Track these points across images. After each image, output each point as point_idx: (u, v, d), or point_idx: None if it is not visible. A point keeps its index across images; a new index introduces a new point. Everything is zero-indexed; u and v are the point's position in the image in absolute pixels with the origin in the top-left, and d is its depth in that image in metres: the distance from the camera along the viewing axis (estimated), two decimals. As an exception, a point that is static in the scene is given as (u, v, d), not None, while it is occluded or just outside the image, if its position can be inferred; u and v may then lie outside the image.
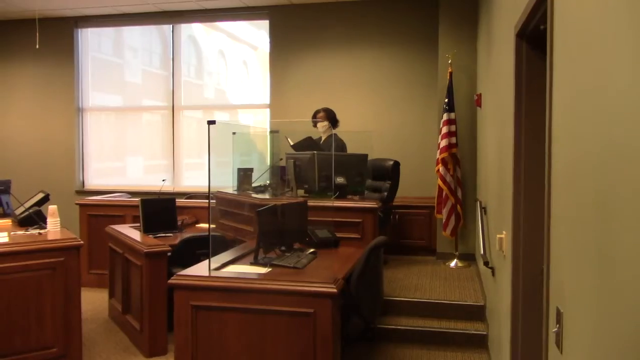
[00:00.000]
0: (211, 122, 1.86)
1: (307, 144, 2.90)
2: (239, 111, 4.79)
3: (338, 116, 3.19)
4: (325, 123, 3.12)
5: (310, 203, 2.31)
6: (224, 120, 4.50)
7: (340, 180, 2.50)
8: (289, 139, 3.01)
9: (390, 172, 3.20)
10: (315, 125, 3.17)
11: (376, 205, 2.41)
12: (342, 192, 2.50)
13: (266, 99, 4.50)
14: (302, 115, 4.04)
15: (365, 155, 2.65)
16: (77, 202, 3.53)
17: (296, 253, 2.06)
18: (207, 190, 2.04)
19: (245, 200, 2.56)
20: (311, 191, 2.57)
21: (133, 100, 4.61)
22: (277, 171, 2.85)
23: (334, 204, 2.33)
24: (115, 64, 4.59)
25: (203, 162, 4.69)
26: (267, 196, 2.63)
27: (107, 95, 4.61)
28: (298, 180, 2.56)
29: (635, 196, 0.52)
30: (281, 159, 2.86)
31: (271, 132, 3.04)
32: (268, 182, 2.89)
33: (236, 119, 4.66)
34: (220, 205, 2.72)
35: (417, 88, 3.97)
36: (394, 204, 3.28)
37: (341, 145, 3.08)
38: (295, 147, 2.92)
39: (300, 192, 2.61)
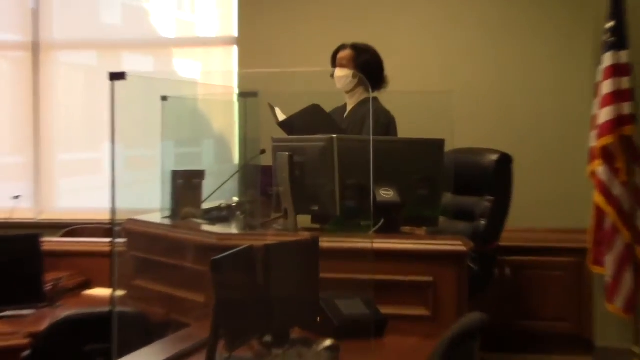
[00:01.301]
0: (116, 76, 1.96)
1: (310, 119, 3.03)
2: (174, 52, 4.98)
3: (385, 64, 3.36)
4: (350, 74, 3.25)
5: (324, 243, 2.33)
6: (145, 72, 4.65)
7: (387, 194, 2.54)
8: (277, 110, 3.11)
9: (492, 178, 3.28)
10: (332, 75, 3.31)
11: (464, 248, 2.45)
12: (390, 220, 2.55)
13: (230, 27, 4.67)
14: (305, 60, 4.14)
15: (440, 143, 2.72)
16: None
17: (296, 350, 2.04)
18: (107, 217, 2.11)
19: (189, 239, 2.65)
20: (326, 218, 2.64)
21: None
22: (255, 176, 2.94)
23: (375, 245, 2.33)
24: None
25: (101, 160, 4.80)
26: (233, 229, 2.76)
27: None
28: (298, 194, 2.61)
29: None
30: (263, 151, 2.93)
31: (242, 95, 3.06)
32: (236, 199, 2.96)
33: (170, 67, 4.85)
34: (136, 249, 2.82)
35: (546, 10, 4.13)
36: (501, 243, 3.34)
37: (385, 123, 3.21)
38: (289, 125, 3.03)
39: (304, 219, 2.68)
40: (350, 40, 3.43)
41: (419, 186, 2.64)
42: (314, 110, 3.03)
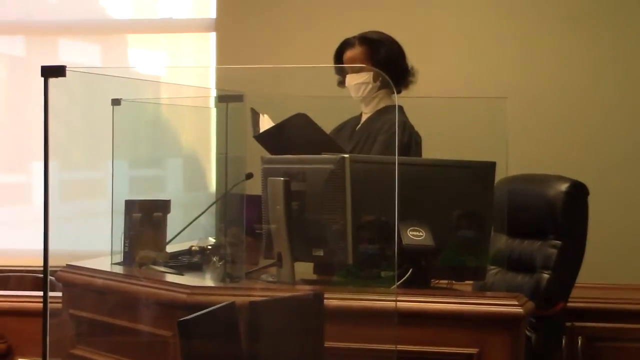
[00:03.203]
0: (52, 70, 2.05)
1: (295, 133, 3.06)
2: (129, 40, 4.97)
3: (409, 60, 3.38)
4: (370, 79, 3.28)
5: (331, 300, 2.37)
6: (91, 67, 4.67)
7: (416, 235, 2.56)
8: (263, 118, 3.16)
9: (560, 215, 3.25)
10: (341, 82, 3.35)
11: (521, 310, 2.45)
12: (421, 271, 2.58)
13: (207, 6, 4.74)
14: (306, 52, 4.17)
15: (490, 168, 2.73)
16: None
17: None
18: (37, 262, 2.13)
19: (149, 293, 2.64)
20: (333, 266, 2.67)
21: None
22: (239, 209, 2.95)
23: (400, 304, 2.36)
24: None
25: (29, 185, 4.84)
26: (208, 280, 2.79)
27: None
28: (297, 234, 2.63)
29: None
30: (250, 175, 2.98)
31: (221, 98, 3.06)
32: (212, 239, 3.00)
33: (125, 60, 4.84)
34: (76, 306, 2.82)
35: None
36: (570, 304, 3.31)
37: (404, 140, 3.23)
38: (267, 139, 3.06)
39: (303, 268, 2.70)
40: (367, 27, 3.45)
41: (461, 225, 2.65)
42: (300, 122, 3.03)
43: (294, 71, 3.74)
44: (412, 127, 3.25)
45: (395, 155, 2.68)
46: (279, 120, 3.09)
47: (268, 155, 2.94)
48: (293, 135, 3.02)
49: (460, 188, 2.73)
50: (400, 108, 3.21)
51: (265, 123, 3.09)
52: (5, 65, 5.15)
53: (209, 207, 3.09)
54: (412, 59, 3.42)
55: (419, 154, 3.24)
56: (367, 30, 3.41)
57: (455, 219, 2.67)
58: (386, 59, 3.28)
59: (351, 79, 3.28)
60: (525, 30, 4.35)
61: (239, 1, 4.62)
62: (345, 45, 3.35)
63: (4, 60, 5.15)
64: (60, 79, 2.11)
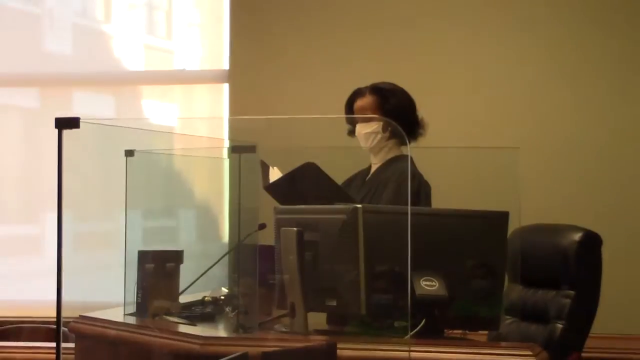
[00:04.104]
0: (66, 122, 2.07)
1: (304, 184, 3.07)
2: (142, 91, 4.99)
3: (420, 110, 3.40)
4: (380, 128, 3.30)
5: (345, 350, 2.35)
6: (104, 118, 4.62)
7: (430, 285, 2.57)
8: (273, 171, 3.18)
9: (574, 265, 3.24)
10: (351, 131, 3.38)
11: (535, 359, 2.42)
12: (435, 320, 2.57)
13: (219, 58, 4.79)
14: (318, 103, 4.22)
15: (503, 218, 2.74)
16: None
17: None
18: (50, 313, 2.14)
19: (162, 344, 2.63)
20: (347, 317, 2.67)
21: None
22: (252, 259, 2.94)
23: (414, 354, 2.36)
24: None
25: (42, 236, 4.81)
26: (221, 331, 2.78)
27: None
28: (310, 284, 2.64)
29: None
30: (263, 226, 2.98)
31: (235, 149, 3.05)
32: (225, 290, 2.99)
33: (138, 111, 4.86)
34: (89, 357, 2.86)
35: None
36: (585, 354, 3.27)
37: (413, 190, 3.19)
38: (276, 190, 3.08)
39: (316, 318, 2.69)
40: (378, 78, 3.46)
41: (474, 275, 2.65)
42: (309, 172, 3.03)
43: (305, 121, 3.81)
44: (421, 176, 3.26)
45: (405, 204, 2.72)
46: (284, 165, 3.13)
47: (281, 206, 2.94)
48: (303, 185, 3.03)
49: (473, 238, 2.73)
50: (410, 158, 3.19)
51: (275, 175, 3.11)
52: (19, 117, 5.18)
53: (222, 257, 3.09)
54: (423, 107, 3.44)
55: (428, 203, 3.24)
56: (378, 81, 3.43)
57: (468, 269, 2.67)
58: (396, 109, 3.28)
59: (361, 128, 3.29)
60: (538, 78, 4.37)
61: (251, 52, 4.65)
62: (356, 94, 3.37)
63: (19, 112, 5.19)
64: (74, 130, 2.10)
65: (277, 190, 3.05)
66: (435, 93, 4.15)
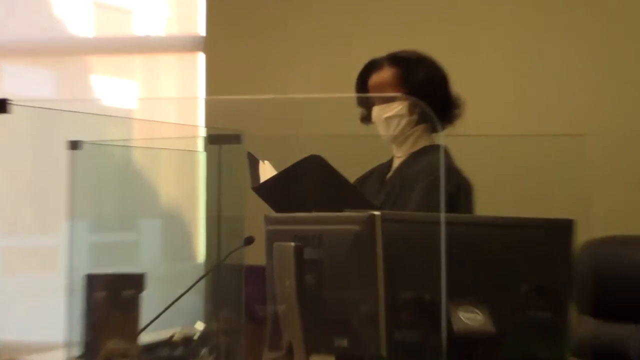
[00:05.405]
0: None
1: (308, 182, 3.07)
2: (92, 62, 4.94)
3: (458, 90, 3.43)
4: (405, 110, 3.28)
5: None
6: (41, 99, 4.62)
7: (471, 317, 2.58)
8: (263, 165, 3.19)
9: None
10: (366, 116, 3.39)
11: None
12: None
13: (194, 23, 4.83)
14: (316, 83, 4.23)
15: (567, 227, 2.74)
16: None
17: None
18: None
19: None
20: (361, 359, 2.66)
21: None
22: (235, 284, 2.97)
23: None
24: None
25: None
26: None
27: None
28: (313, 317, 2.59)
29: None
30: (250, 240, 3.00)
31: (213, 139, 3.11)
32: (201, 324, 2.99)
33: (87, 88, 4.82)
34: None
35: None
36: None
37: (452, 190, 3.24)
38: (269, 191, 3.10)
39: None
40: (397, 47, 3.48)
41: (531, 303, 2.65)
42: (313, 168, 3.05)
43: (304, 103, 3.81)
44: (459, 173, 3.27)
45: (438, 209, 2.63)
46: (285, 167, 3.09)
47: (274, 214, 2.94)
48: (305, 185, 3.02)
49: (528, 255, 2.72)
50: (444, 149, 3.21)
51: (267, 173, 3.10)
52: None
53: (197, 282, 3.07)
54: (458, 87, 3.46)
55: (470, 207, 3.26)
56: (400, 50, 3.45)
57: (522, 296, 2.68)
58: (425, 85, 3.28)
59: (380, 112, 3.28)
60: (608, 52, 4.43)
61: (234, 14, 4.70)
62: (371, 67, 3.38)
63: None
64: (1, 116, 2.11)
65: (271, 192, 3.06)
66: (476, 67, 4.20)
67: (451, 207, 3.04)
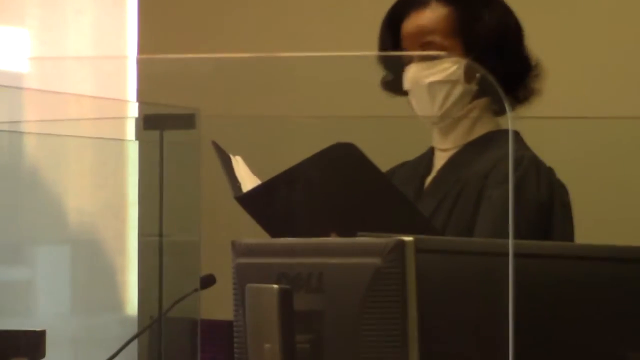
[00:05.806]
0: None
1: (333, 185, 2.97)
2: None
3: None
4: (451, 70, 3.14)
5: None
6: None
7: None
8: (235, 161, 3.11)
9: None
10: (391, 82, 3.26)
11: None
12: None
13: None
14: (311, 33, 4.29)
15: None
16: None
17: None
18: None
19: None
20: None
21: None
22: (183, 348, 2.87)
23: None
24: None
25: None
26: None
27: None
28: None
29: None
30: (209, 281, 2.87)
31: (149, 119, 3.04)
32: None
33: None
34: None
35: None
36: None
37: (542, 200, 3.14)
38: (264, 199, 3.02)
39: None
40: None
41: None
42: (340, 160, 2.89)
43: (295, 64, 3.64)
44: (551, 173, 3.11)
45: (525, 233, 2.63)
46: (264, 171, 3.02)
47: (247, 239, 2.74)
48: (324, 189, 2.88)
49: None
50: (516, 134, 3.01)
51: (242, 173, 2.96)
52: None
53: (126, 344, 2.93)
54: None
55: (569, 225, 3.11)
56: None
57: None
58: (493, 38, 3.10)
59: (419, 72, 3.11)
60: None
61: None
62: (410, 3, 3.16)
63: None
64: None
65: (267, 202, 2.93)
66: (553, 31, 4.17)
67: (542, 226, 3.01)
